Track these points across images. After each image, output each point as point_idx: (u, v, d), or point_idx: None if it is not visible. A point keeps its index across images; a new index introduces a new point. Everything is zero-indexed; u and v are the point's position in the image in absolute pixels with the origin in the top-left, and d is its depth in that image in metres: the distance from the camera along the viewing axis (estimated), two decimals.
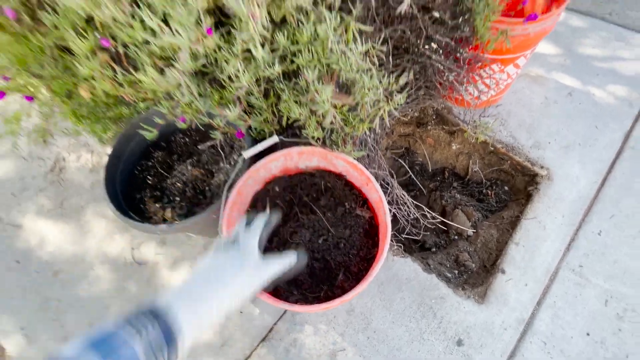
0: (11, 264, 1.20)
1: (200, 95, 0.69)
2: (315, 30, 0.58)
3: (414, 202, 1.03)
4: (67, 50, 0.72)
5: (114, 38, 0.64)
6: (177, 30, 0.56)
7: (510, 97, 1.34)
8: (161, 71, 0.64)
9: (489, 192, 1.31)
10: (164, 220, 0.88)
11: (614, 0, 1.57)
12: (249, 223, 0.58)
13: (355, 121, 0.70)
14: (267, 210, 0.83)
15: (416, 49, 0.89)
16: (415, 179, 1.35)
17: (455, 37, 0.88)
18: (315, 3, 0.60)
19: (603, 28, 1.49)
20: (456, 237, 1.23)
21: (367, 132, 0.93)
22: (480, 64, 1.00)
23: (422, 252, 1.22)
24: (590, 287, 1.00)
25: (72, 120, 0.88)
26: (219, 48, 0.63)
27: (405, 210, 1.02)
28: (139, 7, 0.57)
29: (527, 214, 1.13)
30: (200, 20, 0.57)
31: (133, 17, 0.59)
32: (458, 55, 0.94)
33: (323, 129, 0.74)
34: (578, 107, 1.30)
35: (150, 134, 0.76)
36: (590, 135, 1.23)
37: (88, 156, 1.38)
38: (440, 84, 1.02)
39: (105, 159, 1.06)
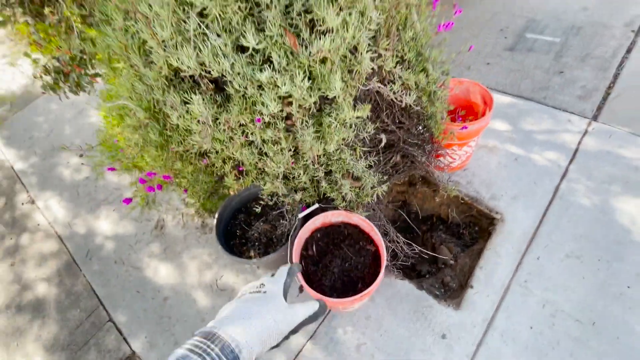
0: (134, 293, 1.76)
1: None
2: (341, 156, 1.18)
3: (405, 240, 1.55)
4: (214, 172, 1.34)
5: (242, 163, 1.25)
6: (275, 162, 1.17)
7: (474, 163, 1.90)
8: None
9: (465, 231, 1.82)
10: (250, 258, 1.43)
11: (547, 87, 2.17)
12: (273, 274, 0.65)
13: (362, 196, 1.27)
14: (290, 263, 1.36)
15: (398, 145, 1.48)
16: (411, 223, 1.87)
17: (421, 139, 1.47)
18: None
19: (540, 109, 2.07)
20: (442, 265, 1.72)
21: (372, 200, 1.50)
22: (441, 150, 1.58)
23: (418, 278, 1.71)
24: (532, 296, 1.45)
25: (195, 199, 1.49)
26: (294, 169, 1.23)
27: (400, 245, 1.54)
28: (262, 156, 1.17)
29: (488, 246, 1.62)
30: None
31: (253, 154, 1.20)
32: (425, 146, 1.53)
33: (345, 200, 1.30)
34: (522, 169, 1.83)
35: (257, 210, 1.35)
36: (530, 189, 1.75)
37: (179, 217, 1.99)
38: (417, 161, 1.60)
39: (198, 220, 1.66)
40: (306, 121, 1.03)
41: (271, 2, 0.83)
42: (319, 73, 0.92)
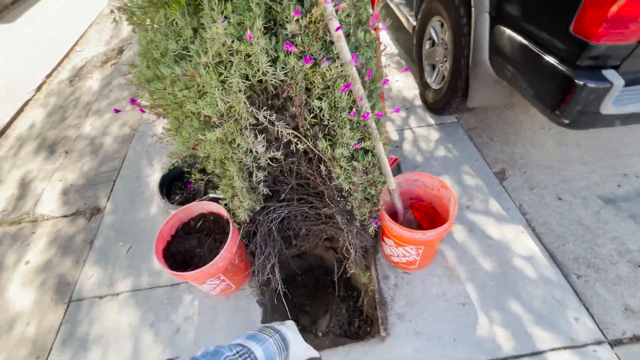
0: None
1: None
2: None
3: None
4: None
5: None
6: None
7: (417, 278, 1.67)
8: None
9: (355, 321, 1.66)
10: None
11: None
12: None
13: (237, 209, 1.37)
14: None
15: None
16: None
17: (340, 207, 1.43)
18: None
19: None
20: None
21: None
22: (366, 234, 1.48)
23: None
24: None
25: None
26: None
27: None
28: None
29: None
30: None
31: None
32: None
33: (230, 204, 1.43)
34: (465, 319, 1.52)
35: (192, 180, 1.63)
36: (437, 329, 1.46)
37: None
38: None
39: None
40: None
41: None
42: None
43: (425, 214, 1.76)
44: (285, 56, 1.01)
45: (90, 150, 2.57)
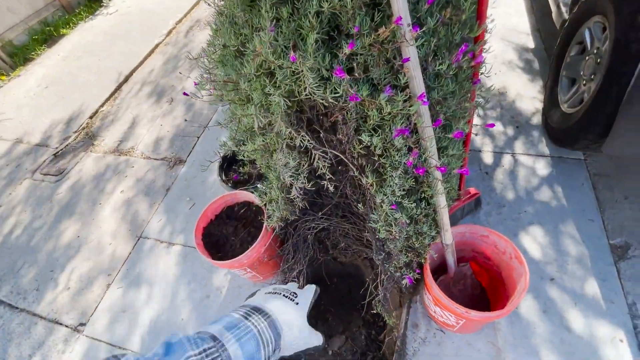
0: None
1: None
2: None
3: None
4: None
5: None
6: None
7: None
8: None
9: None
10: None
11: None
12: (299, 286, 0.70)
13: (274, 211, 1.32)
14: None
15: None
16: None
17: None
18: None
19: None
20: None
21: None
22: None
23: None
24: None
25: None
26: None
27: None
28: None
29: None
30: None
31: None
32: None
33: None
34: None
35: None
36: None
37: None
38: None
39: None
40: None
41: None
42: None
43: (486, 271, 1.44)
44: (337, 81, 0.83)
45: (187, 104, 2.83)
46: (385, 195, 0.99)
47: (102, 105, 3.12)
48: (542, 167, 1.86)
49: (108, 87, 3.24)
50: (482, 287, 1.49)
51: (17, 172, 2.74)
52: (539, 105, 2.14)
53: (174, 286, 1.82)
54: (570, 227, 1.62)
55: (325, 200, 1.41)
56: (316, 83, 0.83)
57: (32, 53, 3.98)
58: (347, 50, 0.73)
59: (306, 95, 0.88)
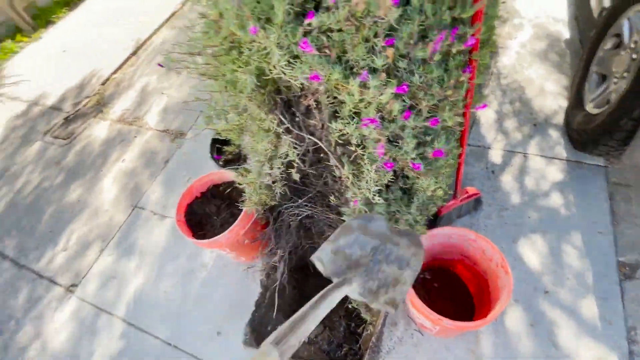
0: None
1: None
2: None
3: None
4: None
5: None
6: None
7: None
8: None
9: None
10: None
11: None
12: None
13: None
14: None
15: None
16: None
17: None
18: None
19: None
20: None
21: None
22: None
23: None
24: None
25: None
26: None
27: None
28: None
29: None
30: None
31: None
32: None
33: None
34: None
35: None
36: None
37: None
38: None
39: None
40: None
41: None
42: None
43: (474, 276, 1.36)
44: (309, 60, 0.75)
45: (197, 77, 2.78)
46: (360, 189, 0.92)
47: (114, 72, 3.14)
48: (556, 171, 1.71)
49: (121, 55, 3.24)
50: (469, 292, 1.42)
51: (31, 133, 2.82)
52: (563, 104, 1.95)
53: (162, 258, 1.84)
54: (577, 239, 1.49)
55: (309, 187, 1.35)
56: (284, 61, 0.75)
57: (54, 16, 4.02)
58: (307, 20, 0.65)
59: (277, 74, 0.81)
